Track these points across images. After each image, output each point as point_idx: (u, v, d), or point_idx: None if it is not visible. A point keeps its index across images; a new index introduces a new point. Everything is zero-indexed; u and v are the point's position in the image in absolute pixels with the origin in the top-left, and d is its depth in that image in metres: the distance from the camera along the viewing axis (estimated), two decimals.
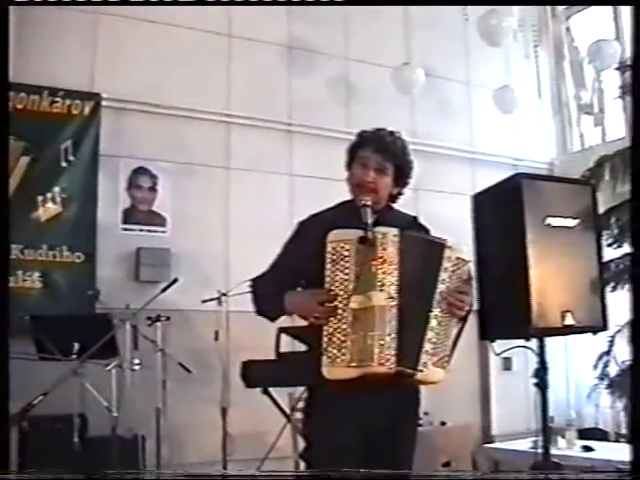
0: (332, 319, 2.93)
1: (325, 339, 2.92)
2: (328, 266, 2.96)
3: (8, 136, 3.29)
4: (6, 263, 3.30)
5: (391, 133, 3.30)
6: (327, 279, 2.96)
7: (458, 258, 3.10)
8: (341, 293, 2.93)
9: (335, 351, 2.90)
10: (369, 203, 3.09)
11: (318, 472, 3.05)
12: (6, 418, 3.15)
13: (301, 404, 5.86)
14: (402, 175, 3.29)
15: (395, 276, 2.94)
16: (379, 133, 3.29)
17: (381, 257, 2.94)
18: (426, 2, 7.82)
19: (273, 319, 3.25)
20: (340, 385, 2.91)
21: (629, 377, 6.32)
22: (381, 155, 3.22)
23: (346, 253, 2.95)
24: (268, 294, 3.17)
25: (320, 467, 3.04)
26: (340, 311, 2.92)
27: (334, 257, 2.95)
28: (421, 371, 2.97)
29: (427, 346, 2.99)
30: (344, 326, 2.91)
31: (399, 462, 3.16)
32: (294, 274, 3.17)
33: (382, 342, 2.88)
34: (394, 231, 2.99)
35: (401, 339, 2.91)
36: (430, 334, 3.01)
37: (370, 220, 3.01)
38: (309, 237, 3.14)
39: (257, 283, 3.26)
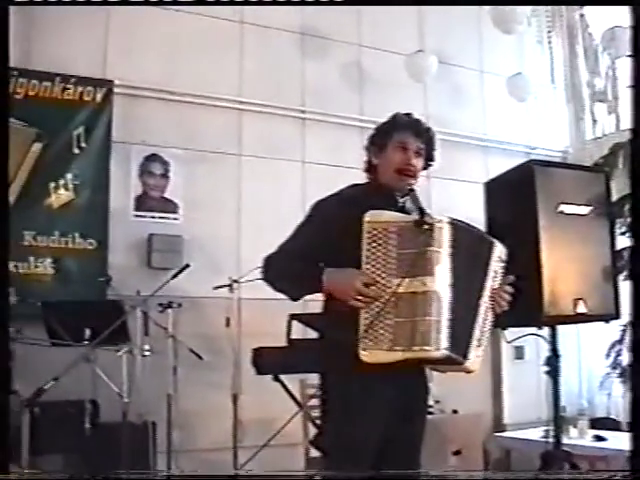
0: (373, 306, 2.88)
1: (365, 322, 2.87)
2: (367, 247, 2.91)
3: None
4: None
5: (419, 119, 3.31)
6: (366, 260, 2.91)
7: (501, 258, 3.17)
8: (383, 275, 2.89)
9: (377, 334, 2.85)
10: (414, 187, 3.16)
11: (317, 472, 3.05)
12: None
13: (312, 391, 5.92)
14: (429, 160, 3.32)
15: (448, 264, 2.93)
16: (414, 117, 3.30)
17: (438, 243, 2.92)
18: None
19: (297, 298, 3.17)
20: (370, 369, 2.87)
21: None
22: (419, 139, 3.23)
23: (392, 235, 2.91)
24: (297, 270, 3.08)
25: (339, 456, 3.04)
26: (384, 294, 2.87)
27: (375, 238, 2.90)
28: (468, 359, 2.99)
29: (475, 336, 3.03)
30: (388, 309, 2.86)
31: (416, 450, 3.20)
32: (315, 253, 3.09)
33: (438, 326, 2.85)
34: (446, 219, 2.98)
35: (454, 326, 2.90)
36: (478, 325, 3.05)
37: (422, 205, 3.04)
38: (332, 217, 3.10)
39: (274, 260, 3.16)
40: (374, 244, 2.90)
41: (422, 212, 2.97)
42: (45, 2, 5.89)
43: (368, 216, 2.92)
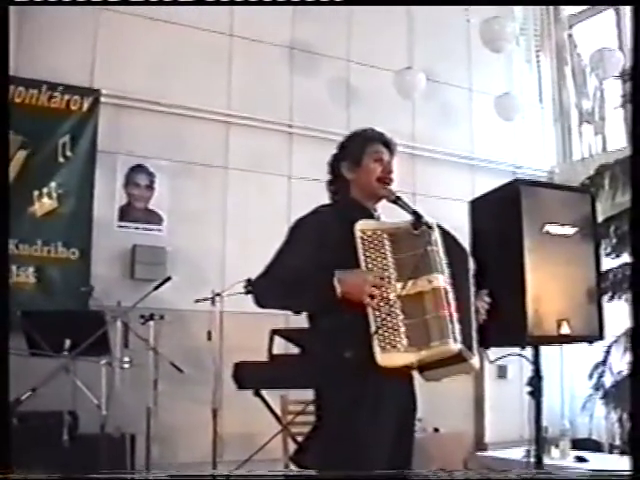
0: (383, 305, 2.89)
1: (375, 325, 2.86)
2: (364, 254, 2.94)
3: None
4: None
5: (384, 133, 3.36)
6: (365, 266, 2.93)
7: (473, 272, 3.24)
8: (386, 278, 2.92)
9: (391, 338, 2.85)
10: (398, 195, 3.17)
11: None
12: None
13: (293, 407, 5.88)
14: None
15: (446, 262, 3.00)
16: (377, 131, 3.34)
17: (436, 242, 3.01)
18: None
19: (303, 311, 3.15)
20: (373, 377, 2.89)
21: (626, 385, 6.32)
22: (389, 149, 3.29)
23: (385, 242, 2.96)
24: (304, 283, 3.01)
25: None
26: (391, 296, 2.89)
27: (370, 245, 2.95)
28: (475, 355, 3.03)
29: (475, 330, 3.08)
30: (397, 310, 2.88)
31: (410, 461, 3.19)
32: (311, 267, 3.01)
33: (452, 320, 2.90)
34: (434, 222, 3.08)
35: (461, 321, 2.95)
36: (475, 324, 3.10)
37: (415, 208, 3.07)
38: (320, 230, 3.09)
39: (268, 279, 3.09)
40: (371, 250, 2.95)
41: (416, 213, 3.02)
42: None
43: (360, 225, 2.97)
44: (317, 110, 8.01)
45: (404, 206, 3.09)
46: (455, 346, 2.87)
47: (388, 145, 3.28)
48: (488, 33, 7.74)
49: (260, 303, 3.11)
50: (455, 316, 2.91)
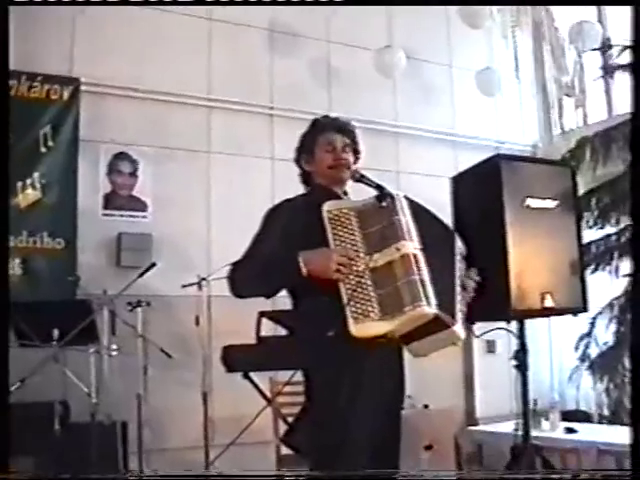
0: (352, 277, 2.92)
1: (347, 297, 2.90)
2: (333, 233, 3.01)
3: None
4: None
5: (337, 117, 3.52)
6: (334, 243, 2.99)
7: (461, 249, 3.34)
8: (354, 253, 2.96)
9: (364, 307, 2.88)
10: (362, 173, 3.24)
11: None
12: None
13: (284, 388, 5.90)
14: (357, 151, 3.46)
15: (415, 230, 3.04)
16: (333, 117, 3.51)
17: (402, 211, 3.05)
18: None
19: (273, 293, 3.17)
20: (357, 355, 2.93)
21: (611, 356, 6.39)
22: (343, 134, 3.38)
23: (353, 219, 3.03)
24: (272, 264, 3.08)
25: (327, 453, 3.02)
26: (361, 269, 2.93)
27: (337, 223, 3.02)
28: (456, 322, 3.05)
29: (458, 299, 3.12)
30: (369, 282, 2.91)
31: (397, 444, 3.25)
32: (282, 253, 3.09)
33: (424, 284, 2.91)
34: (401, 193, 3.16)
35: (437, 288, 2.96)
36: (458, 289, 3.15)
37: (378, 181, 3.14)
38: (291, 218, 3.17)
39: (241, 266, 3.17)
40: (339, 228, 3.00)
41: (380, 187, 3.09)
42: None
43: (327, 206, 3.05)
44: (298, 91, 8.00)
45: (368, 182, 3.16)
46: (429, 309, 2.88)
47: (342, 130, 3.38)
48: (466, 9, 7.75)
49: (236, 293, 3.16)
50: (428, 280, 2.92)
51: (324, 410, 3.06)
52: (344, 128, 3.40)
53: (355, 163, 3.41)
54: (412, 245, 2.97)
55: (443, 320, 2.96)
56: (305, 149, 3.41)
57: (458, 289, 3.14)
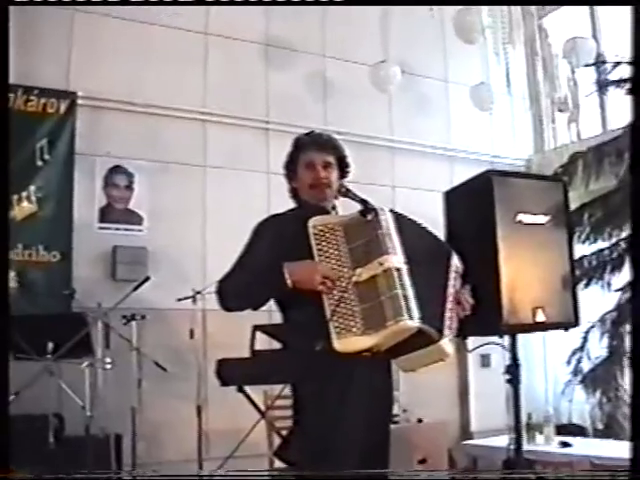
0: (335, 292, 2.93)
1: (330, 312, 2.91)
2: (317, 247, 3.02)
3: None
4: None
5: (320, 133, 3.48)
6: (318, 259, 3.00)
7: (457, 267, 3.31)
8: (338, 269, 2.97)
9: (347, 322, 2.89)
10: (346, 186, 3.26)
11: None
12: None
13: (277, 401, 5.91)
14: (344, 166, 3.45)
15: (399, 244, 3.03)
16: (315, 134, 3.46)
17: (386, 226, 3.04)
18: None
19: (260, 305, 3.18)
20: (344, 368, 2.93)
21: (603, 370, 6.39)
22: (325, 152, 3.36)
23: (338, 233, 3.04)
24: (257, 276, 3.10)
25: (315, 467, 3.01)
26: (344, 284, 2.93)
27: (322, 238, 3.03)
28: (444, 336, 3.04)
29: (447, 315, 3.10)
30: (352, 297, 2.92)
31: (386, 457, 3.23)
32: (268, 266, 3.09)
33: (407, 298, 2.90)
34: (386, 208, 3.15)
35: (422, 302, 2.95)
36: (448, 304, 3.13)
37: (363, 196, 3.13)
38: (278, 232, 3.19)
39: (230, 279, 3.19)
40: (323, 243, 3.02)
41: (365, 202, 3.09)
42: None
43: (312, 221, 3.06)
44: (294, 105, 8.02)
45: (353, 197, 3.16)
46: (412, 323, 2.88)
47: (323, 148, 3.37)
48: (460, 25, 7.79)
49: (224, 306, 3.18)
50: (411, 294, 2.92)
51: (311, 424, 3.07)
52: (326, 145, 3.39)
53: (342, 178, 3.41)
54: (396, 259, 2.96)
55: (428, 334, 2.97)
56: (289, 167, 3.43)
57: (448, 305, 3.12)
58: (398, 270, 2.94)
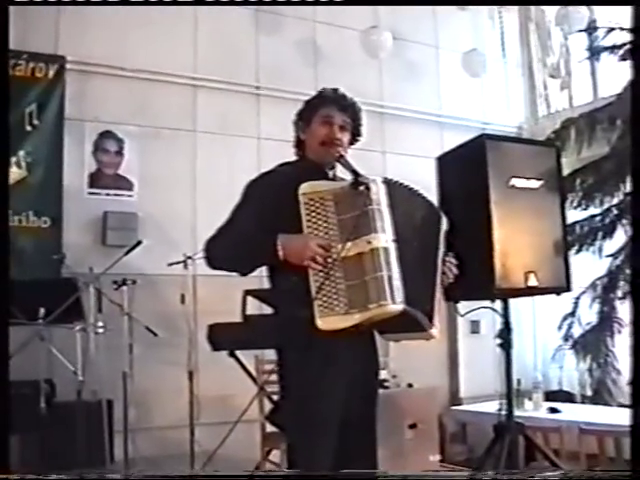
0: (322, 269, 2.91)
1: (315, 289, 2.90)
2: (307, 217, 2.97)
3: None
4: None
5: (344, 94, 3.36)
6: (307, 230, 2.96)
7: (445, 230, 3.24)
8: (327, 241, 2.94)
9: (331, 300, 2.88)
10: (343, 153, 3.19)
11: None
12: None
13: (268, 367, 5.94)
14: (357, 133, 3.37)
15: (390, 221, 2.98)
16: (339, 92, 3.34)
17: (376, 201, 2.97)
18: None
19: (248, 272, 3.16)
20: (328, 336, 2.88)
21: (594, 336, 6.44)
22: (344, 113, 3.28)
23: (328, 203, 2.98)
24: (248, 243, 3.07)
25: (300, 431, 3.03)
26: (331, 260, 2.91)
27: (312, 208, 2.97)
28: (435, 325, 3.05)
29: (437, 296, 3.09)
30: (338, 274, 2.90)
31: (372, 422, 3.23)
32: (257, 230, 3.07)
33: (391, 281, 2.88)
34: (380, 178, 3.06)
35: (411, 282, 2.93)
36: (438, 287, 3.11)
37: (356, 167, 3.06)
38: (267, 194, 3.14)
39: (218, 241, 3.15)
40: (313, 213, 2.97)
41: (356, 173, 3.02)
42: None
43: (302, 188, 2.99)
44: (284, 71, 7.98)
45: (345, 165, 3.12)
46: (394, 307, 2.87)
47: (345, 108, 3.29)
48: None
49: (211, 264, 3.16)
50: (397, 276, 2.91)
51: (294, 389, 3.08)
52: (348, 106, 3.30)
53: (352, 144, 3.35)
54: (384, 238, 2.92)
55: (412, 315, 2.95)
56: (304, 117, 3.32)
57: (438, 284, 3.11)
58: (385, 250, 2.91)
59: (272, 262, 3.06)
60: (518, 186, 4.39)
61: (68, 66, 6.91)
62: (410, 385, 7.01)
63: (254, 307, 5.97)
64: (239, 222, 3.15)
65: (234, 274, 3.19)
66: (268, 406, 5.93)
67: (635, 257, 3.70)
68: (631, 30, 3.66)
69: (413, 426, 6.55)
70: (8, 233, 3.46)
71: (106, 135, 7.16)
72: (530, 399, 6.84)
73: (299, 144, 3.37)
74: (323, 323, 2.87)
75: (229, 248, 3.11)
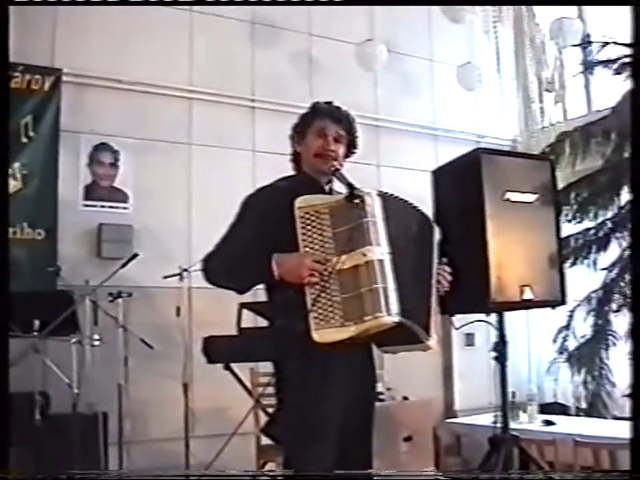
0: (318, 282, 2.92)
1: (311, 302, 2.91)
2: (302, 231, 2.97)
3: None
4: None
5: (339, 106, 3.38)
6: (303, 244, 2.97)
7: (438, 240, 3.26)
8: (323, 256, 2.95)
9: (327, 313, 2.89)
10: (338, 167, 3.21)
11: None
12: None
13: (264, 379, 5.93)
14: (353, 145, 3.39)
15: (385, 233, 2.99)
16: (334, 105, 3.37)
17: (371, 214, 2.99)
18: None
19: (245, 290, 3.17)
20: (325, 349, 2.89)
21: (589, 349, 6.45)
22: (338, 125, 3.30)
23: (324, 217, 2.99)
24: (244, 262, 3.08)
25: (297, 443, 3.03)
26: (326, 273, 2.92)
27: (308, 221, 2.98)
28: (431, 336, 3.08)
29: (433, 308, 3.11)
30: (333, 287, 2.90)
31: (369, 434, 3.24)
32: (255, 246, 3.07)
33: (386, 293, 2.89)
34: (375, 191, 3.07)
35: (406, 294, 2.95)
36: (434, 298, 3.14)
37: (351, 180, 3.07)
38: (264, 209, 3.15)
39: (215, 258, 3.16)
40: (308, 227, 2.98)
41: (351, 186, 3.03)
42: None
43: (298, 202, 3.00)
44: (279, 83, 8.01)
45: (340, 178, 3.13)
46: (389, 319, 2.88)
47: (339, 120, 3.31)
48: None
49: (209, 281, 3.17)
50: (392, 288, 2.92)
51: (290, 402, 3.09)
52: (342, 118, 3.33)
53: (348, 156, 3.37)
54: (379, 250, 2.93)
55: (408, 327, 2.97)
56: (299, 130, 3.35)
57: (434, 296, 3.14)
58: (380, 262, 2.92)
59: (268, 281, 3.10)
60: (513, 200, 4.39)
61: (64, 78, 6.93)
62: (405, 398, 7.00)
63: (249, 320, 5.99)
64: (235, 239, 3.15)
65: None
66: (263, 419, 5.93)
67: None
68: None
69: (408, 439, 6.55)
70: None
71: (101, 147, 7.16)
72: (524, 411, 6.83)
73: (296, 158, 3.39)
74: (319, 336, 2.87)
75: (225, 266, 3.12)
